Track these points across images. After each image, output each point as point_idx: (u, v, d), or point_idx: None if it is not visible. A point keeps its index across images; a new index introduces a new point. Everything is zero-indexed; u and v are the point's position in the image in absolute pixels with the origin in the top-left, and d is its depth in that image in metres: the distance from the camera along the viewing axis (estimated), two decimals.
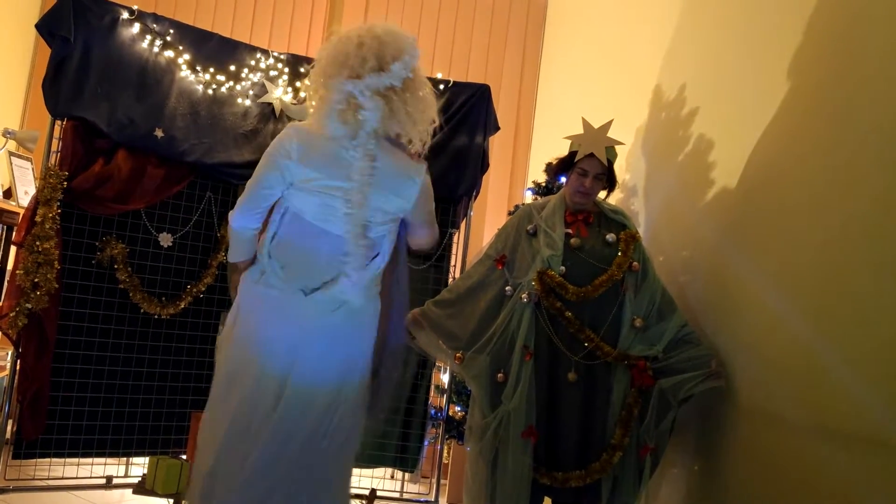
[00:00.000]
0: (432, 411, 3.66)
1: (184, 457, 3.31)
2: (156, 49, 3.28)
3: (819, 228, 2.41)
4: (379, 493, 3.44)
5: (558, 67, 5.19)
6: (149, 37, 3.26)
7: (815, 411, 2.32)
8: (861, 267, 2.22)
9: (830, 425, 2.26)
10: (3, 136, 3.92)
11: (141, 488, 3.09)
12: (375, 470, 3.65)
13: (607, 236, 2.80)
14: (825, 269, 2.36)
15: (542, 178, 3.81)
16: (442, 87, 3.66)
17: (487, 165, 3.70)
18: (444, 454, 3.77)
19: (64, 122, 3.14)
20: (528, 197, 3.87)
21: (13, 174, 3.88)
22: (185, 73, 3.33)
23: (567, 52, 5.08)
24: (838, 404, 2.23)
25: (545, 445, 2.69)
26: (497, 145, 4.99)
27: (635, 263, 2.77)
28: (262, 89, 3.47)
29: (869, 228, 2.20)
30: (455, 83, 3.69)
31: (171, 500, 2.96)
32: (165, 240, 3.35)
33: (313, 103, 2.34)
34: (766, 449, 2.50)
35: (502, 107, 4.88)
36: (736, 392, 2.66)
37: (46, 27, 3.09)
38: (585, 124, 2.85)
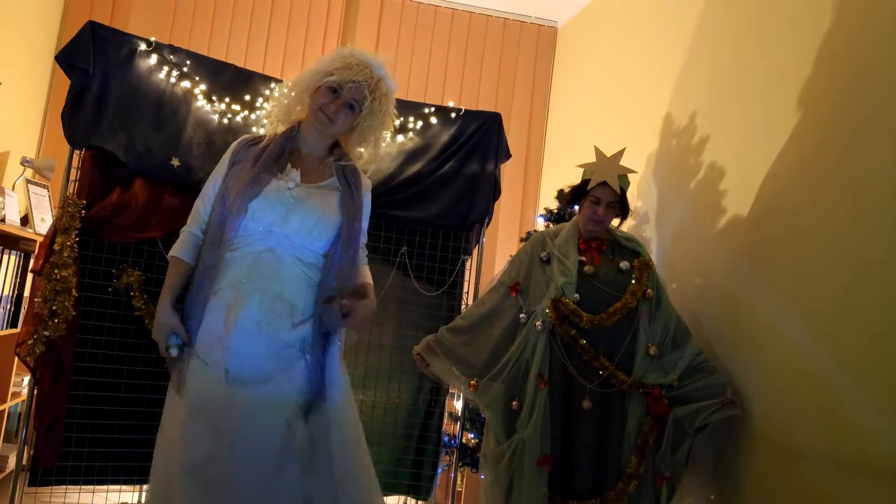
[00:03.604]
0: (446, 438, 3.65)
1: None
2: (172, 80, 3.32)
3: (833, 255, 2.42)
4: None
5: (568, 95, 5.23)
6: (166, 68, 3.31)
7: (832, 440, 2.31)
8: (876, 294, 2.22)
9: (847, 455, 2.25)
10: (22, 164, 3.98)
11: None
12: (389, 498, 3.64)
13: (621, 264, 2.82)
14: (839, 295, 2.37)
15: (553, 204, 3.84)
16: (453, 115, 3.70)
17: (499, 193, 3.72)
18: (458, 482, 3.76)
19: (82, 152, 3.17)
20: (540, 224, 3.89)
21: (30, 202, 3.93)
22: (201, 103, 3.36)
23: (577, 79, 5.13)
24: (856, 433, 2.23)
25: (560, 474, 2.68)
26: (508, 172, 5.03)
27: (649, 291, 2.78)
28: None
29: (884, 256, 2.21)
30: (466, 111, 3.72)
31: None
32: None
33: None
34: (783, 478, 2.49)
35: (513, 134, 4.92)
36: (752, 421, 2.66)
37: (66, 59, 3.13)
38: (598, 152, 2.87)
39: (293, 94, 2.26)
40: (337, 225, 2.17)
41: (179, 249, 2.22)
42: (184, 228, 2.25)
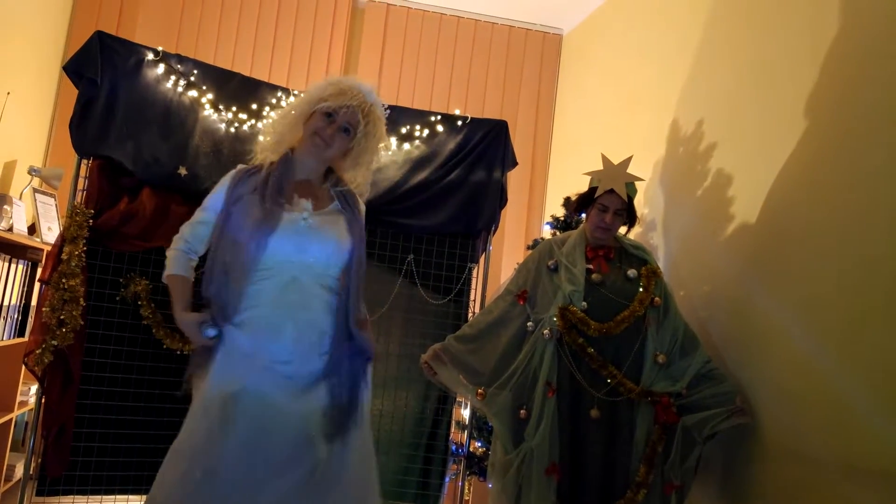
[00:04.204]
0: (453, 447, 3.65)
1: None
2: (180, 89, 3.33)
3: (841, 262, 2.41)
4: None
5: (574, 102, 5.24)
6: (173, 77, 3.32)
7: (842, 448, 2.30)
8: (886, 300, 2.21)
9: (858, 463, 2.24)
10: (29, 173, 3.98)
11: None
12: None
13: (628, 272, 2.81)
14: (848, 302, 2.36)
15: (559, 212, 3.84)
16: (459, 123, 3.70)
17: (506, 200, 3.72)
18: (466, 491, 3.75)
19: (90, 161, 3.18)
20: (547, 231, 3.89)
21: (37, 210, 3.94)
22: (208, 111, 3.37)
23: (582, 86, 5.13)
24: (866, 441, 2.22)
25: (569, 483, 2.67)
26: (514, 180, 5.03)
27: (657, 299, 2.78)
28: None
29: (892, 261, 2.20)
30: (473, 119, 3.72)
31: None
32: None
33: None
34: (793, 487, 2.48)
35: (518, 142, 4.92)
36: (761, 429, 2.65)
37: (74, 69, 3.14)
38: (605, 160, 2.87)
39: (286, 121, 2.29)
40: (350, 249, 2.22)
41: (175, 267, 2.24)
42: (173, 247, 2.26)
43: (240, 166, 2.32)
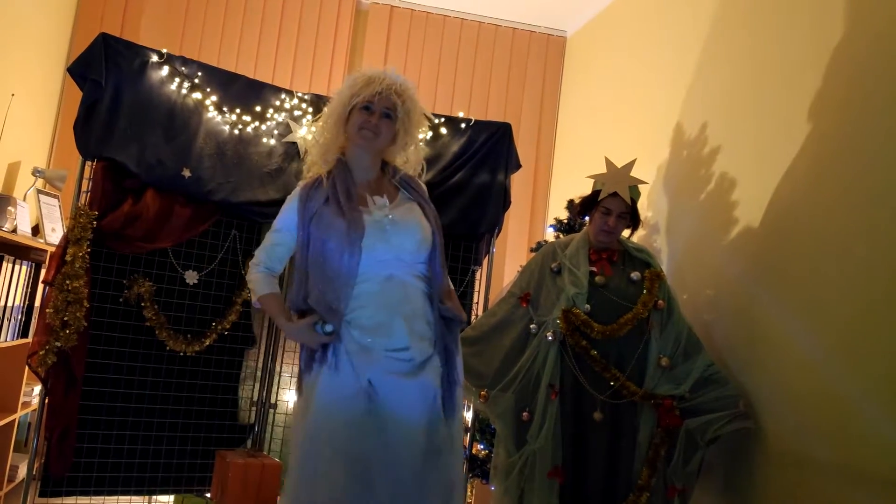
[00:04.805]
0: None
1: (208, 495, 3.31)
2: (184, 91, 3.33)
3: (844, 265, 2.41)
4: None
5: (577, 105, 5.23)
6: (177, 79, 3.32)
7: (846, 452, 2.30)
8: (889, 304, 2.21)
9: (860, 466, 2.24)
10: (33, 174, 3.99)
11: None
12: None
13: (632, 274, 2.81)
14: (852, 306, 2.36)
15: (563, 214, 3.83)
16: (463, 125, 3.70)
17: (509, 203, 3.72)
18: (468, 493, 3.74)
19: (94, 163, 3.18)
20: (550, 234, 3.89)
21: (41, 212, 3.94)
22: (212, 114, 3.37)
23: (586, 89, 5.13)
24: (868, 445, 2.21)
25: (571, 485, 2.67)
26: (517, 182, 5.01)
27: (660, 301, 2.78)
28: (286, 129, 3.52)
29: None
30: (476, 122, 3.72)
31: None
32: (191, 277, 3.37)
33: None
34: (796, 490, 2.48)
35: (522, 144, 4.91)
36: (764, 432, 2.64)
37: (78, 70, 3.14)
38: (609, 163, 2.87)
39: (327, 129, 2.33)
40: (432, 233, 2.27)
41: (263, 287, 2.28)
42: (253, 272, 2.30)
43: (301, 183, 2.35)
